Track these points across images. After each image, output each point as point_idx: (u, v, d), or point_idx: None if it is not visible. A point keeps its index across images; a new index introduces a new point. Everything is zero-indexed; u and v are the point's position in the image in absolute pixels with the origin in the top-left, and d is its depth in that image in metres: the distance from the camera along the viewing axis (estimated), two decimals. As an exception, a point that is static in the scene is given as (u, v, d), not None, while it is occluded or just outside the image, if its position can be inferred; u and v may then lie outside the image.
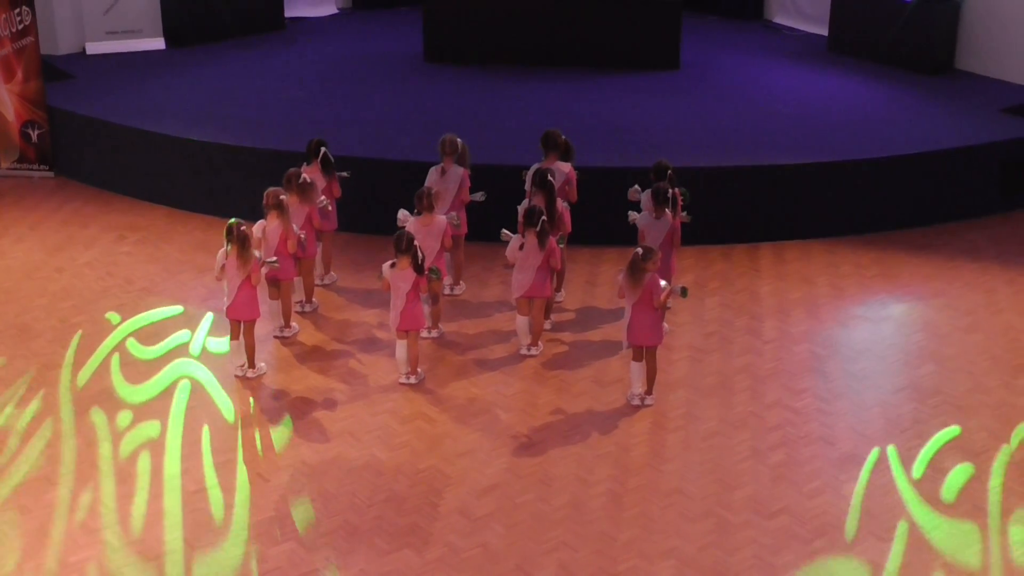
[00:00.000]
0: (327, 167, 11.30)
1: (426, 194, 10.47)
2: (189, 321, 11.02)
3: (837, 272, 12.06)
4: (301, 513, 8.47)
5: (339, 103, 14.53)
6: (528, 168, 11.15)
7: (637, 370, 9.76)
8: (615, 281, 9.62)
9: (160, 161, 13.55)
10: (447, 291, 11.43)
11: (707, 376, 10.24)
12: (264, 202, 10.35)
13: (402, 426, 9.52)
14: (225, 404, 9.80)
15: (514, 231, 10.41)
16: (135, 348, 10.58)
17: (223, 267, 9.93)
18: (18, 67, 14.11)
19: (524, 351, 10.56)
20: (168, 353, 10.46)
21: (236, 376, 10.15)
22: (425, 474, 8.93)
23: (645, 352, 9.70)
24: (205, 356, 10.47)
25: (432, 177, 11.17)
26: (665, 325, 9.83)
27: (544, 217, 10.16)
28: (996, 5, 15.06)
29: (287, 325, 10.84)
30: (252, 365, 10.19)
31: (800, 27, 17.64)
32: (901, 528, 8.36)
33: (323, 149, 11.28)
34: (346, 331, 10.93)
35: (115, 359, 10.40)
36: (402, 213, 10.63)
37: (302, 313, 11.18)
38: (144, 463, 9.01)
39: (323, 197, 11.09)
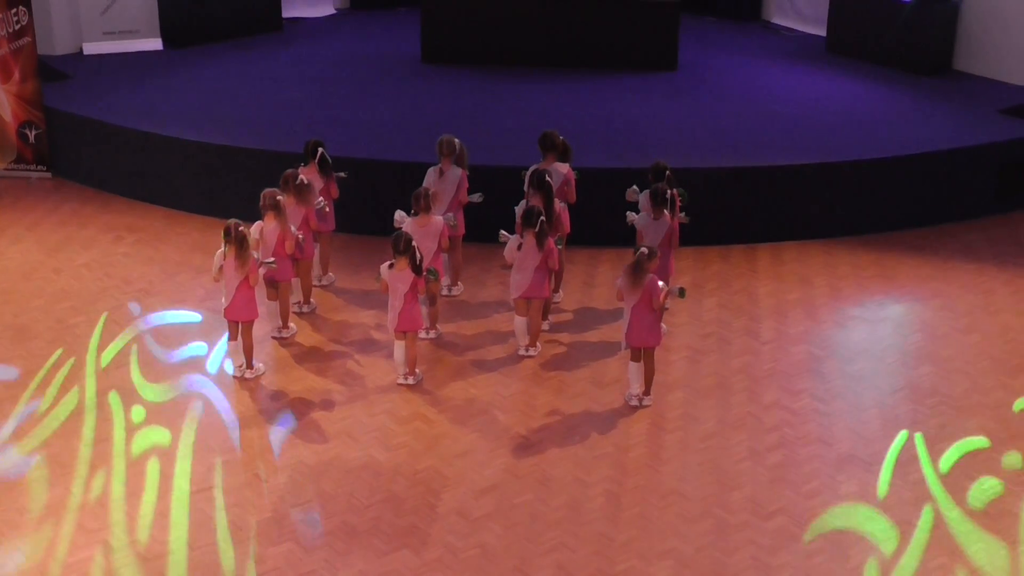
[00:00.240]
0: (324, 168, 11.30)
1: (423, 195, 10.47)
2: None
3: (835, 273, 12.06)
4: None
5: (337, 104, 14.52)
6: (526, 169, 11.15)
7: (635, 371, 9.76)
8: (614, 284, 9.60)
9: (158, 162, 13.53)
10: (445, 292, 11.43)
11: (705, 377, 10.24)
12: (261, 203, 10.35)
13: (400, 427, 9.52)
14: (223, 405, 9.79)
15: (512, 232, 10.41)
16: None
17: (221, 268, 9.93)
18: (15, 67, 14.10)
19: (522, 352, 10.56)
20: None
21: (234, 377, 10.14)
22: (423, 475, 8.93)
23: (643, 353, 9.70)
24: (200, 356, 10.47)
25: (430, 178, 11.17)
26: (663, 326, 9.83)
27: (542, 218, 10.16)
28: (994, 6, 15.06)
29: (285, 326, 10.83)
30: (250, 366, 10.18)
31: (798, 28, 17.63)
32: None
33: (320, 150, 11.27)
34: (344, 332, 10.93)
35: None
36: (399, 214, 10.63)
37: (300, 314, 11.17)
38: (143, 464, 9.00)
39: (320, 198, 11.08)
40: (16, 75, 14.12)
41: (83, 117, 14.05)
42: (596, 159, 12.48)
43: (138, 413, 9.65)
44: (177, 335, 10.82)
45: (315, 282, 11.54)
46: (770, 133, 13.62)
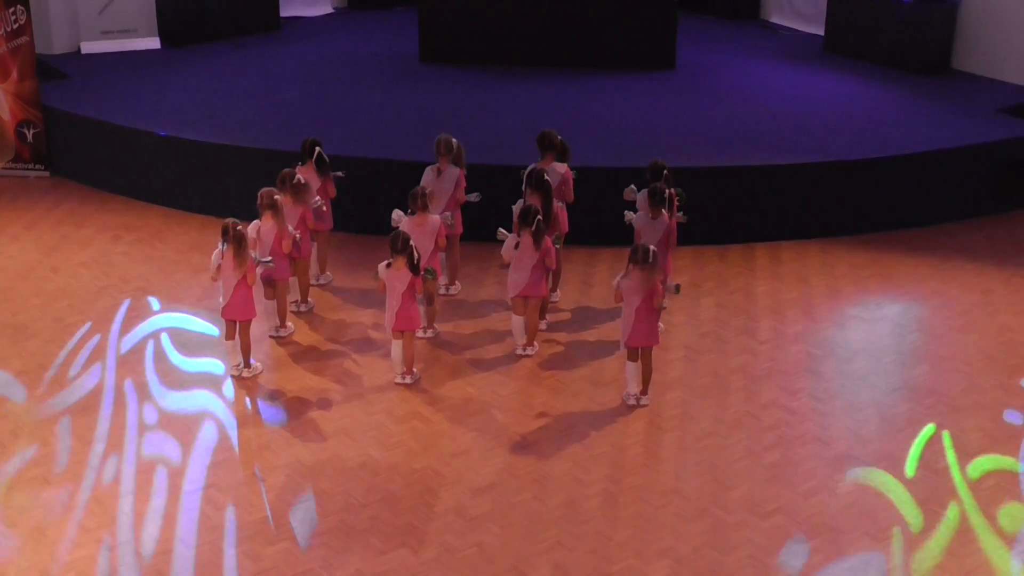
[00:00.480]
0: (322, 167, 11.30)
1: (420, 194, 10.47)
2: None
3: (833, 272, 12.06)
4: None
5: (334, 103, 14.52)
6: (524, 168, 11.14)
7: (633, 370, 9.75)
8: (615, 285, 9.57)
9: (155, 161, 13.53)
10: (442, 291, 11.42)
11: (702, 376, 10.24)
12: (259, 202, 10.34)
13: (398, 426, 9.52)
14: (220, 404, 9.79)
15: (510, 231, 10.40)
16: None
17: (219, 267, 9.92)
18: (13, 66, 14.10)
19: (520, 351, 10.56)
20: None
21: (232, 376, 10.14)
22: (420, 474, 8.93)
23: (641, 352, 9.70)
24: (199, 354, 10.46)
25: (428, 177, 11.16)
26: (660, 325, 9.83)
27: (539, 217, 10.16)
28: (993, 5, 15.08)
29: (282, 325, 10.83)
30: (247, 365, 10.18)
31: (796, 27, 17.66)
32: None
33: (318, 149, 11.27)
34: (341, 331, 10.92)
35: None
36: (396, 213, 10.63)
37: (297, 313, 11.17)
38: (141, 463, 8.99)
39: (317, 197, 11.08)
40: (14, 74, 14.13)
41: (81, 116, 14.06)
42: (594, 158, 12.48)
43: (137, 412, 9.64)
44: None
45: (313, 281, 11.54)
46: (768, 132, 13.62)
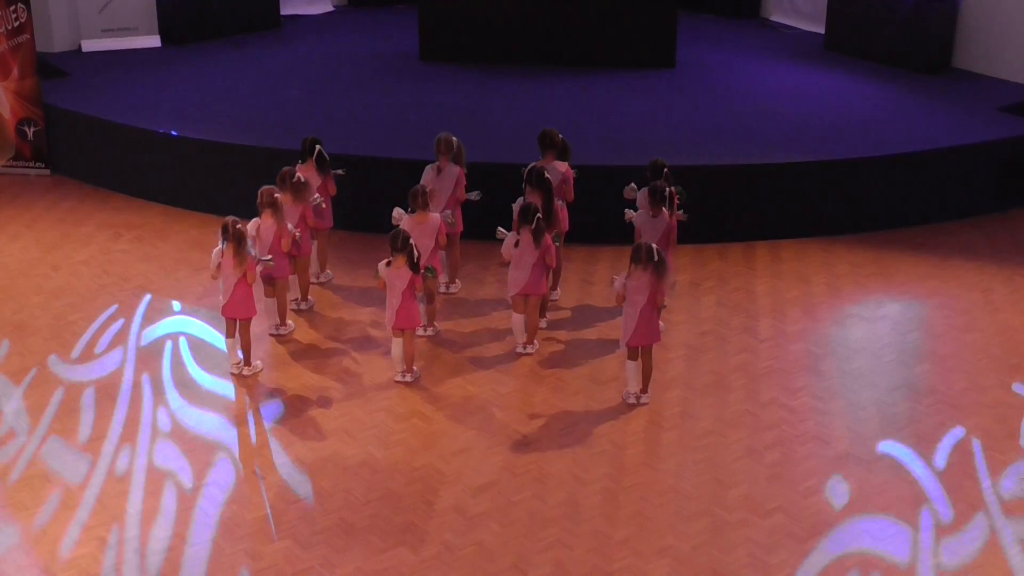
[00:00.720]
0: (322, 165, 11.30)
1: (420, 192, 10.46)
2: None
3: (833, 271, 12.06)
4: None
5: (334, 101, 14.52)
6: (525, 166, 11.14)
7: (633, 369, 9.75)
8: (617, 286, 9.55)
9: (156, 159, 13.54)
10: (443, 289, 11.42)
11: (703, 375, 10.24)
12: (258, 200, 10.34)
13: (398, 424, 9.52)
14: (220, 402, 9.79)
15: (510, 229, 10.40)
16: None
17: (219, 265, 9.92)
18: (14, 64, 14.10)
19: (520, 349, 10.56)
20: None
21: (232, 374, 10.14)
22: (421, 472, 8.93)
23: (641, 351, 9.69)
24: (200, 353, 10.46)
25: (428, 175, 11.16)
26: (661, 323, 9.83)
27: (539, 215, 10.15)
28: (994, 4, 15.07)
29: (283, 323, 10.83)
30: (248, 363, 10.18)
31: (797, 25, 17.65)
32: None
33: (318, 147, 11.26)
34: (342, 329, 10.92)
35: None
36: (397, 211, 10.63)
37: (298, 311, 11.17)
38: (141, 461, 8.99)
39: (317, 195, 11.08)
40: (15, 72, 14.13)
41: (82, 114, 14.06)
42: (594, 157, 12.48)
43: (137, 411, 9.64)
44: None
45: (313, 279, 11.53)
46: (768, 131, 13.62)
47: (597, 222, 12.09)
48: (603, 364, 10.38)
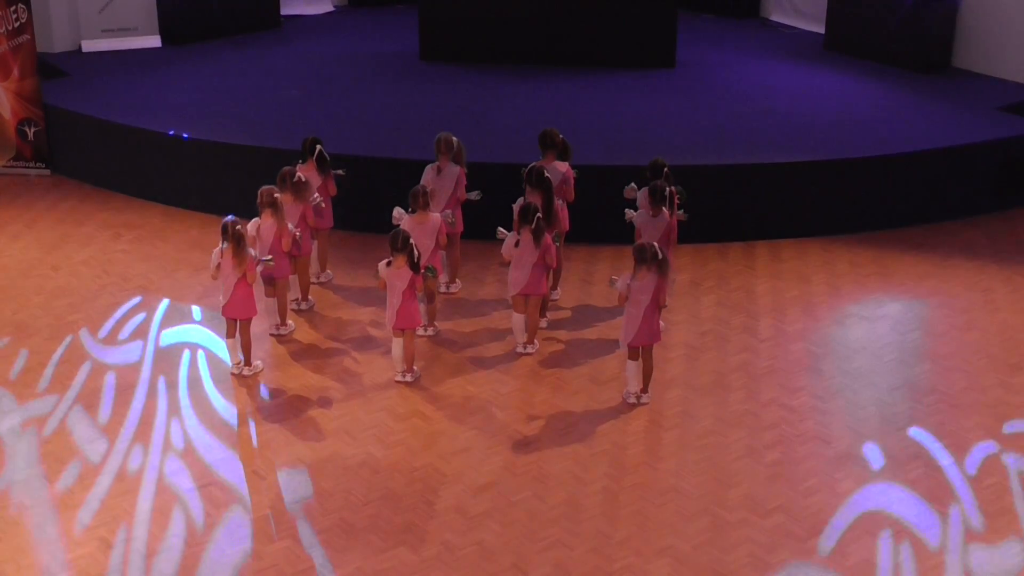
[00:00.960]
0: (322, 165, 11.30)
1: (421, 192, 10.47)
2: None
3: (833, 270, 12.06)
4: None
5: (334, 101, 14.52)
6: (525, 166, 11.14)
7: (633, 368, 9.75)
8: (619, 287, 9.55)
9: (156, 159, 13.53)
10: (443, 289, 11.42)
11: (703, 374, 10.24)
12: (259, 200, 10.34)
13: (398, 424, 9.52)
14: (221, 402, 9.79)
15: (510, 229, 10.40)
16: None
17: (219, 265, 9.92)
18: (14, 65, 14.10)
19: (520, 349, 10.56)
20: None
21: (232, 374, 10.14)
22: (421, 472, 8.93)
23: (641, 350, 9.70)
24: (200, 353, 10.46)
25: (428, 175, 11.16)
26: (661, 323, 9.84)
27: (539, 215, 10.15)
28: (994, 4, 15.06)
29: (283, 323, 10.83)
30: (248, 363, 10.18)
31: (796, 25, 17.64)
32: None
33: (318, 147, 11.27)
34: (342, 329, 10.92)
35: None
36: (397, 211, 10.64)
37: (298, 311, 11.17)
38: (141, 460, 8.99)
39: (317, 195, 11.08)
40: (15, 72, 14.13)
41: (82, 114, 14.06)
42: (594, 156, 12.48)
43: (138, 411, 9.64)
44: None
45: (313, 279, 11.53)
46: (768, 130, 13.62)
47: (597, 222, 12.09)
48: (603, 364, 10.38)
